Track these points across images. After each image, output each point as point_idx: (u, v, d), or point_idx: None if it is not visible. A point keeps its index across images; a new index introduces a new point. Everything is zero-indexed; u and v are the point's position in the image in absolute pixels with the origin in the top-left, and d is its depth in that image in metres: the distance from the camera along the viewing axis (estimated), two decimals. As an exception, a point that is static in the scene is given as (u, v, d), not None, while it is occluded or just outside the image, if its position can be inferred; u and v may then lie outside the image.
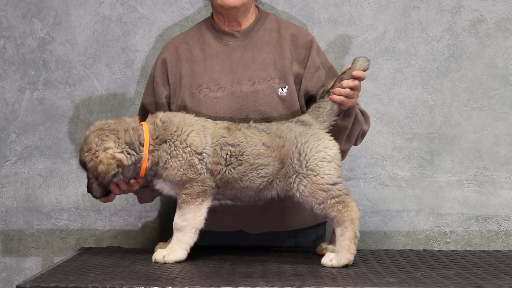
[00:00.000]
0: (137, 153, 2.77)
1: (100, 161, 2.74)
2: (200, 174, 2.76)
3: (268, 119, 2.95)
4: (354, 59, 2.88)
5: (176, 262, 2.76)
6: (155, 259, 2.78)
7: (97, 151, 2.76)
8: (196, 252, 2.82)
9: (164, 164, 2.77)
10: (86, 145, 2.80)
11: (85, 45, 3.59)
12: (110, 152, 2.75)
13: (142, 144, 2.78)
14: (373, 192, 3.61)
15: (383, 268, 2.74)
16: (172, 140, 2.78)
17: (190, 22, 3.56)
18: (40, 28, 3.58)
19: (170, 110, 3.04)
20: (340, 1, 3.58)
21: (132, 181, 2.84)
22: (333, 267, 2.70)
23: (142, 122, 2.84)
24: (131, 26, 3.58)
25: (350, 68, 2.86)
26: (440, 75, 3.59)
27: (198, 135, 2.78)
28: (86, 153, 2.78)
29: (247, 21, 3.11)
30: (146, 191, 3.02)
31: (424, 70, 3.59)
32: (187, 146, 2.76)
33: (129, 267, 2.69)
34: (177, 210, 2.80)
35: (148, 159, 2.78)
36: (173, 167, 2.76)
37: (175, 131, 2.79)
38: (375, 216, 3.61)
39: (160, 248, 2.89)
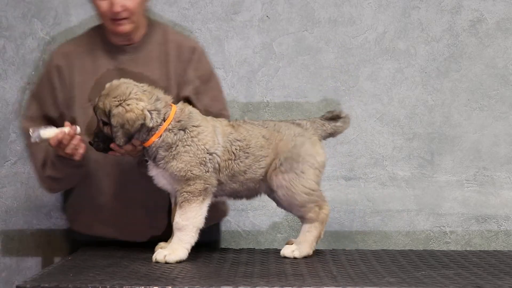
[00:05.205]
0: (157, 123, 2.79)
1: (131, 109, 2.75)
2: (206, 171, 2.79)
3: None
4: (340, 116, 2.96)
5: (177, 262, 2.76)
6: (156, 259, 2.78)
7: (129, 100, 2.76)
8: (196, 252, 2.82)
9: (176, 154, 2.78)
10: (115, 91, 2.78)
11: (85, 45, 3.59)
12: (142, 105, 2.77)
13: (164, 120, 2.79)
14: (373, 192, 3.61)
15: (383, 268, 2.74)
16: (191, 133, 2.80)
17: (190, 22, 3.56)
18: (40, 28, 3.58)
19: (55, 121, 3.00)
20: (340, 1, 3.58)
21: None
22: (295, 258, 2.84)
23: (172, 104, 2.85)
24: (131, 26, 3.58)
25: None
26: (440, 75, 3.59)
27: (212, 137, 2.81)
28: (114, 99, 2.77)
29: (138, 35, 3.05)
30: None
31: (424, 70, 3.59)
32: (202, 144, 2.79)
33: (129, 267, 2.69)
34: (178, 209, 2.79)
35: (161, 136, 2.78)
36: (183, 160, 2.77)
37: (196, 126, 2.81)
38: (375, 216, 3.61)
39: (161, 248, 2.88)
